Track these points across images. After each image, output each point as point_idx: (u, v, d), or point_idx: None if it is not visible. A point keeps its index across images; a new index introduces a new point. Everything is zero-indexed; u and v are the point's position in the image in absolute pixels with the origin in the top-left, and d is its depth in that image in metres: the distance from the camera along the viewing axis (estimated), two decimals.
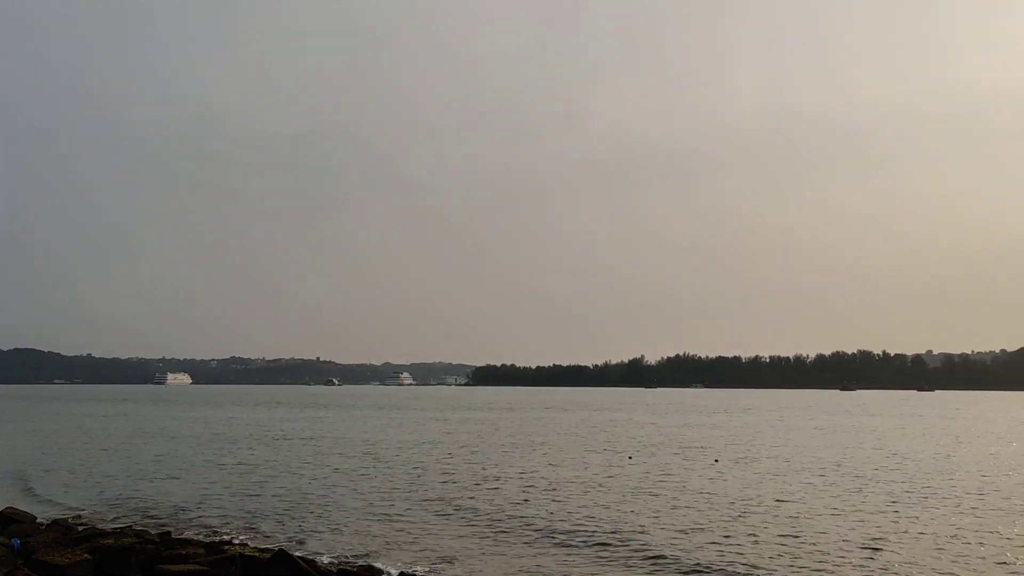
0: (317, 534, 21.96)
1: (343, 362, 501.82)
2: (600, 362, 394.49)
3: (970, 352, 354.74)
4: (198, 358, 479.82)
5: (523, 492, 29.15)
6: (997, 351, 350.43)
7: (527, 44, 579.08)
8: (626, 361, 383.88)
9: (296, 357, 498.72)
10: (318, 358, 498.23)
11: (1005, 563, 18.46)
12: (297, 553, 18.02)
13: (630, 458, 41.56)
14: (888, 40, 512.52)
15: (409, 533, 22.02)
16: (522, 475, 34.08)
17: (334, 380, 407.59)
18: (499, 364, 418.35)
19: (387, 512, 25.14)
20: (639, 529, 22.29)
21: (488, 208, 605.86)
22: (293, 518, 24.17)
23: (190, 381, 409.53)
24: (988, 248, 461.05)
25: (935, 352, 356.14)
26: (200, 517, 24.42)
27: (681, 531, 22.00)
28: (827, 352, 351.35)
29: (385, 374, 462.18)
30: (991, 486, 31.24)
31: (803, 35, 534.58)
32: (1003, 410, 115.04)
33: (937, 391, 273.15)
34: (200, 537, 20.87)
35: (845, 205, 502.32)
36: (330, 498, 27.86)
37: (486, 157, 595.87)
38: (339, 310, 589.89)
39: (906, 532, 21.87)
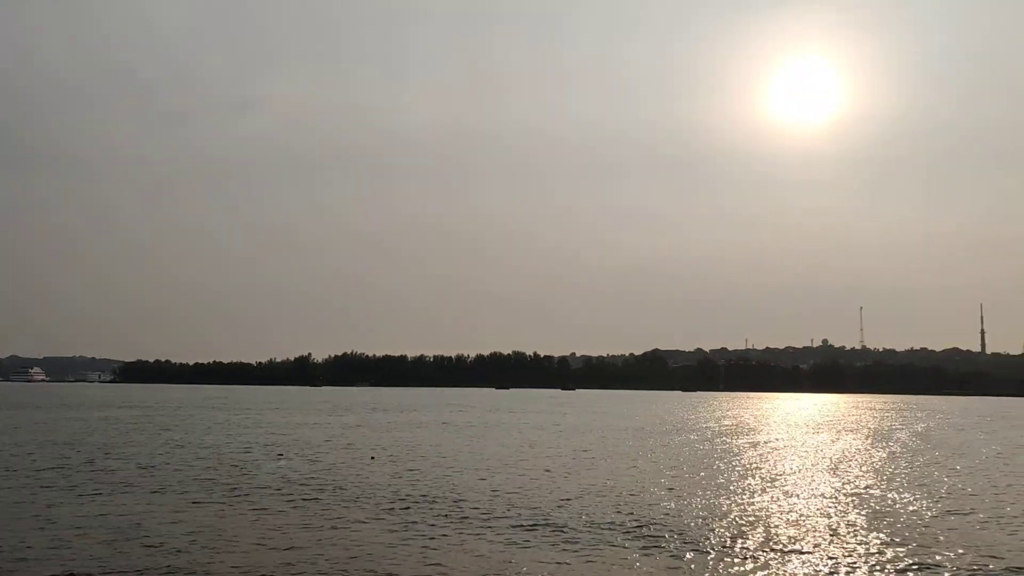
0: None
1: None
2: (264, 359, 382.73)
3: (606, 355, 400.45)
4: None
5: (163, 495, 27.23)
6: (627, 355, 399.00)
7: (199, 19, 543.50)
8: (292, 359, 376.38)
9: None
10: None
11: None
12: None
13: (280, 455, 40.79)
14: (551, 72, 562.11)
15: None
16: (180, 470, 31.81)
17: None
18: (151, 360, 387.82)
19: None
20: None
21: (136, 191, 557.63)
22: None
23: None
24: (622, 265, 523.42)
25: (578, 355, 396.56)
26: None
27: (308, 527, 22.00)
28: (486, 352, 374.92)
29: (10, 369, 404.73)
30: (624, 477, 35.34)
31: (474, 55, 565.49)
32: (629, 406, 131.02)
33: (578, 390, 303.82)
34: None
35: (499, 214, 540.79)
36: None
37: (142, 138, 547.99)
38: None
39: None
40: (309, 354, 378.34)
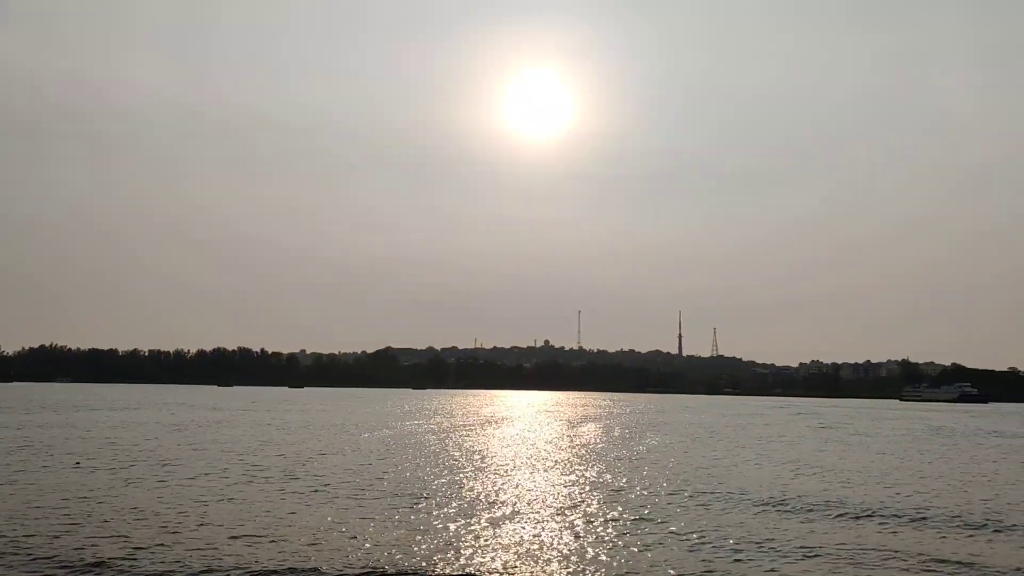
0: None
1: None
2: None
3: (337, 353, 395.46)
4: None
5: None
6: (359, 352, 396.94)
7: None
8: None
9: None
10: None
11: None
12: None
13: None
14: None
15: None
16: None
17: None
18: None
19: None
20: None
21: None
22: None
23: None
24: (355, 263, 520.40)
25: (308, 352, 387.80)
26: None
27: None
28: (209, 348, 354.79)
29: None
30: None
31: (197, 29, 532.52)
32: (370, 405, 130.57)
33: (307, 388, 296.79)
34: None
35: (222, 205, 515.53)
36: None
37: None
38: None
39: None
40: None
